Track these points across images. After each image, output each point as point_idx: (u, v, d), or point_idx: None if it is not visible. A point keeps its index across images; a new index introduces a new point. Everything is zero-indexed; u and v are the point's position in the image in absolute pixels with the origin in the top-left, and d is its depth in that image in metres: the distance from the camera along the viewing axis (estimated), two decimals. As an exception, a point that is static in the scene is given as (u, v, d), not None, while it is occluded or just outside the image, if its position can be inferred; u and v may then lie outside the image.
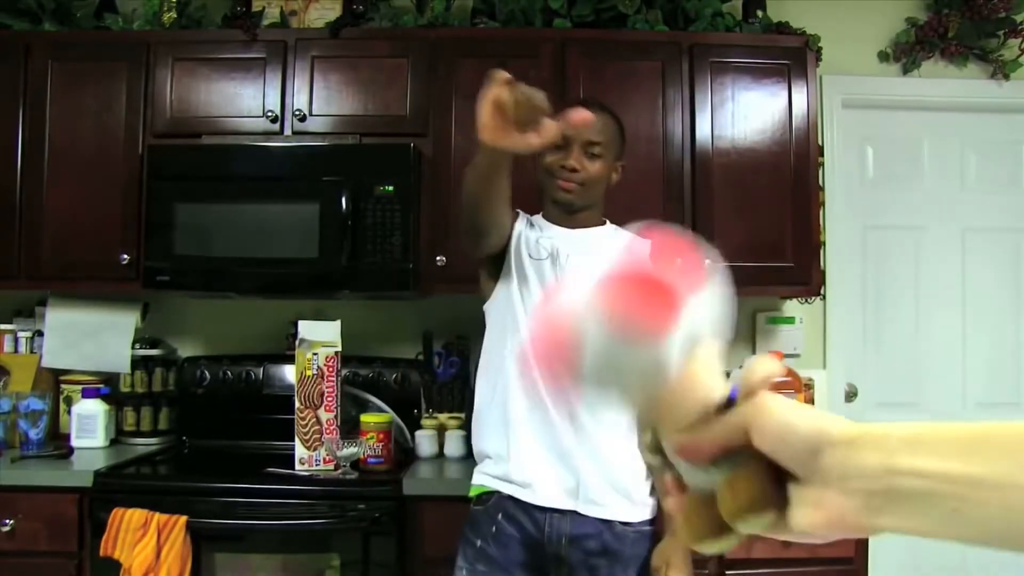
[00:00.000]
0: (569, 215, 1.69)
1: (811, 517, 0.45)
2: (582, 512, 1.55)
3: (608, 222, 1.76)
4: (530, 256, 1.64)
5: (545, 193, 1.71)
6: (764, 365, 0.48)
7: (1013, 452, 0.39)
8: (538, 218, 1.74)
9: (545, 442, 1.57)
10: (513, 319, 1.63)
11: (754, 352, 2.69)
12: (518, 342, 1.60)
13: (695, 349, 0.50)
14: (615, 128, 1.69)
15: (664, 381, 0.50)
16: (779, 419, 0.45)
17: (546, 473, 1.56)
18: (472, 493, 1.65)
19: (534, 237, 1.67)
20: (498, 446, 1.61)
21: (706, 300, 0.50)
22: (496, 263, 1.68)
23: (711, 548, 0.51)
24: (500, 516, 1.57)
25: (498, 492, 1.59)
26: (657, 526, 1.62)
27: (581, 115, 1.23)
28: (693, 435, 0.49)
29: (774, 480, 0.47)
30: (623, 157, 1.75)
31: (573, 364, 0.51)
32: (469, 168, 1.45)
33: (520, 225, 1.69)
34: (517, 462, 1.57)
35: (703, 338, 0.50)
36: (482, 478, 1.63)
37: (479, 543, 1.58)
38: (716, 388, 0.49)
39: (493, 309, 1.70)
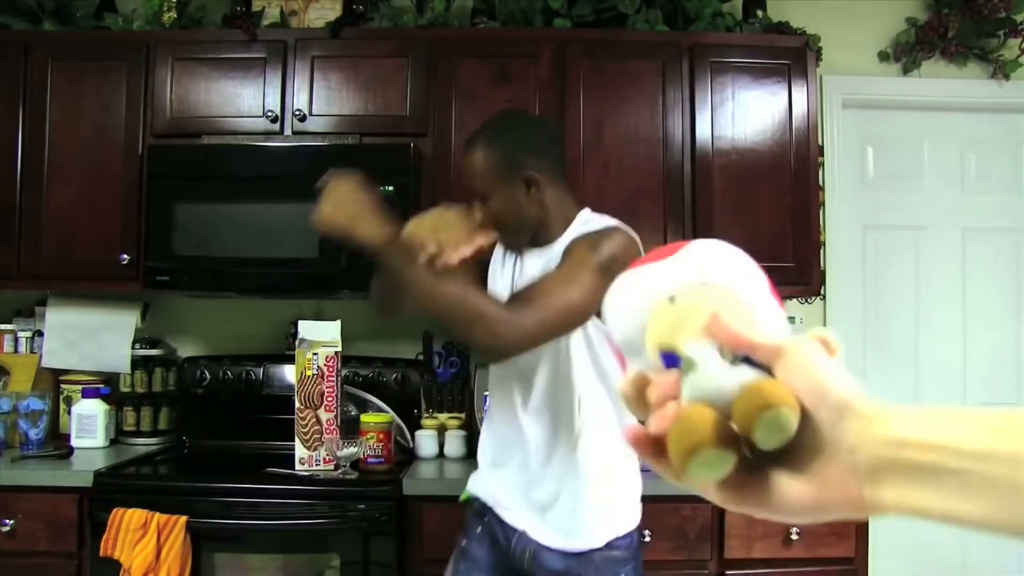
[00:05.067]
0: (523, 248, 1.65)
1: (807, 491, 0.44)
2: (545, 543, 1.54)
3: (572, 224, 1.59)
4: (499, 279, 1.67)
5: None
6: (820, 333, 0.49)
7: (1019, 428, 0.39)
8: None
9: (516, 465, 1.60)
10: None
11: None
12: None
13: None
14: (483, 157, 1.53)
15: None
16: (818, 374, 0.44)
17: (514, 497, 1.60)
18: (462, 498, 1.73)
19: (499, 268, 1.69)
20: (482, 459, 1.70)
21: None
22: None
23: (702, 464, 0.44)
24: (486, 518, 1.64)
25: (479, 497, 1.66)
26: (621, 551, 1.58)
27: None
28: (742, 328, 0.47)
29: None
30: (521, 168, 1.53)
31: None
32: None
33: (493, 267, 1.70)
34: (492, 479, 1.65)
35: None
36: (470, 484, 1.71)
37: (464, 542, 1.66)
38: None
39: None
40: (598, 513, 1.54)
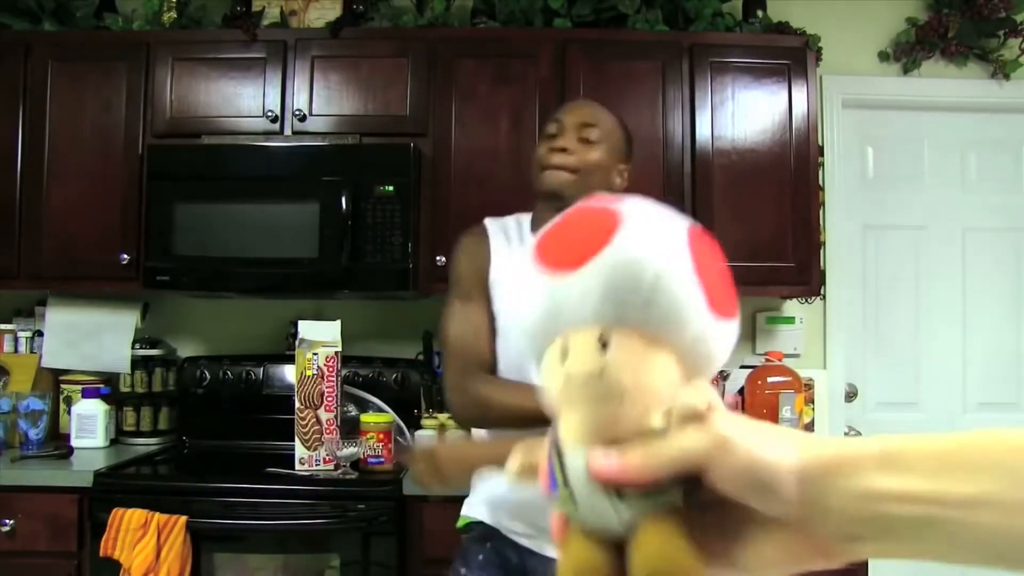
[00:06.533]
0: (559, 211, 1.56)
1: (782, 555, 0.41)
2: None
3: None
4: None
5: (535, 191, 1.52)
6: (702, 392, 0.42)
7: (1001, 466, 0.36)
8: (523, 225, 1.56)
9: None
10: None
11: (754, 352, 2.69)
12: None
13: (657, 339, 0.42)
14: (614, 122, 1.55)
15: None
16: (745, 459, 0.39)
17: (529, 515, 1.49)
18: (460, 524, 1.59)
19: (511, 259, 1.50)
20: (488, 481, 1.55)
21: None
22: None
23: None
24: (488, 544, 1.53)
25: (483, 522, 1.54)
26: None
27: None
28: (633, 452, 0.40)
29: (698, 525, 0.41)
30: (629, 160, 1.58)
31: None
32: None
33: (495, 246, 1.52)
34: (503, 500, 1.52)
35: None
36: (470, 509, 1.58)
37: (463, 571, 1.53)
38: (678, 396, 0.42)
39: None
40: None
